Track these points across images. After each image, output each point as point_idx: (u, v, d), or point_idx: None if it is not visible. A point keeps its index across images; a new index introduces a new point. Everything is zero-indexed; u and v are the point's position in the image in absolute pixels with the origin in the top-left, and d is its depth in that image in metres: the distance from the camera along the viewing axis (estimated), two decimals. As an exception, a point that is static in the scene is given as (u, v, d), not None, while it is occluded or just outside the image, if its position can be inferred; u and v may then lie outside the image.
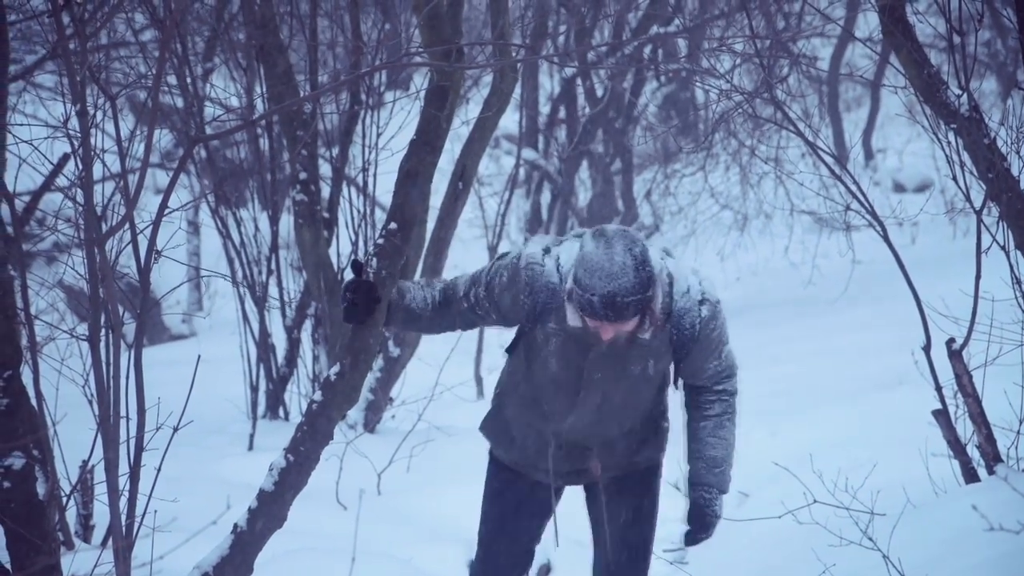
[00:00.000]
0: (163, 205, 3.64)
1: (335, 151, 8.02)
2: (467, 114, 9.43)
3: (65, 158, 6.08)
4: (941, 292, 5.68)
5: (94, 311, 3.67)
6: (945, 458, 5.10)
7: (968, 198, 4.84)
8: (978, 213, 4.81)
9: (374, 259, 4.06)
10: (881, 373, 7.49)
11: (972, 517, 4.09)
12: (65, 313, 9.15)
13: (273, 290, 8.00)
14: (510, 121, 15.02)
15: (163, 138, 10.03)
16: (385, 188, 6.00)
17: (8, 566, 3.66)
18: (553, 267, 3.79)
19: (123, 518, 3.65)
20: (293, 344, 8.07)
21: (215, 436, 7.53)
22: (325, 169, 8.02)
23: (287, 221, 8.35)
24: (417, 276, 7.62)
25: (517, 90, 9.01)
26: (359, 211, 7.89)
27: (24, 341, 4.08)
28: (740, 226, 13.95)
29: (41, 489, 3.64)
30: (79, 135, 3.61)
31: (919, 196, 14.10)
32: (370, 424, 7.58)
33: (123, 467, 3.66)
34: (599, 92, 11.91)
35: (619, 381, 3.84)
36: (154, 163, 10.93)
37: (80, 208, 3.75)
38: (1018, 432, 4.90)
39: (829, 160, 5.05)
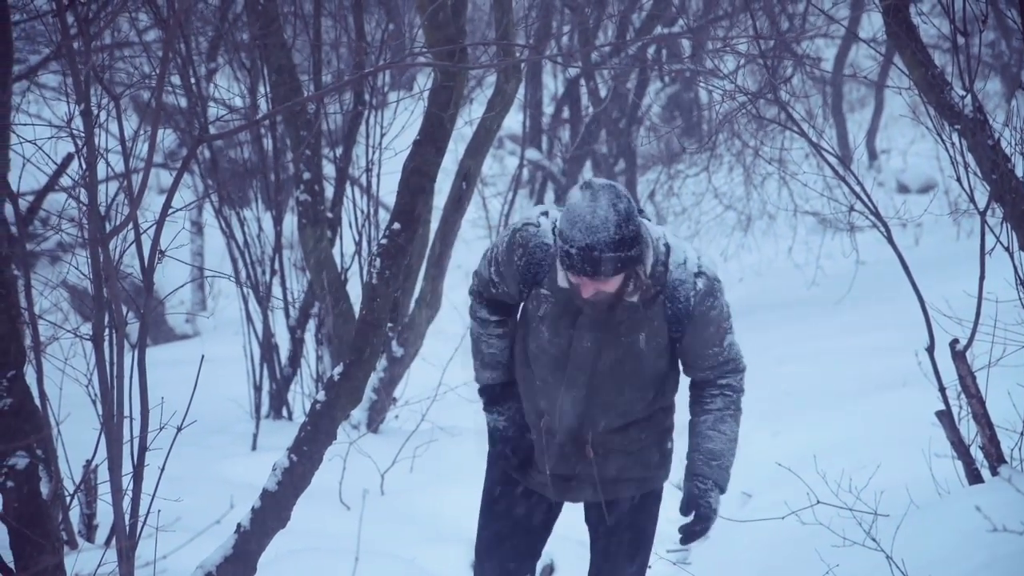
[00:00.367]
0: (167, 205, 3.64)
1: (339, 151, 8.03)
2: (471, 114, 9.44)
3: (69, 158, 6.09)
4: (945, 293, 5.68)
5: (98, 311, 3.67)
6: (949, 459, 5.10)
7: (972, 199, 4.84)
8: (982, 214, 4.81)
9: (378, 259, 4.06)
10: (885, 374, 7.48)
11: (975, 518, 4.09)
12: (69, 313, 9.17)
13: (277, 290, 8.00)
14: (514, 121, 15.02)
15: (167, 138, 10.05)
16: (389, 188, 6.01)
17: (12, 565, 3.66)
18: (548, 228, 3.77)
19: (127, 518, 3.65)
20: (296, 344, 8.08)
21: (218, 436, 7.53)
22: (329, 169, 8.03)
23: (291, 221, 8.36)
24: (420, 276, 7.63)
25: (521, 90, 9.00)
26: (363, 211, 7.89)
27: (28, 341, 4.08)
28: (744, 227, 13.94)
29: (45, 489, 3.64)
30: (83, 135, 3.62)
31: (923, 197, 14.09)
32: (373, 424, 7.58)
33: (127, 467, 3.66)
34: (603, 92, 11.90)
35: (610, 350, 3.73)
36: (158, 163, 10.94)
37: (84, 208, 3.75)
38: (1022, 433, 4.90)
39: (833, 161, 5.05)
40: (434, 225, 7.58)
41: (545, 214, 3.82)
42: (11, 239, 3.88)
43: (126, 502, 3.65)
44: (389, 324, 7.41)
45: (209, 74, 9.17)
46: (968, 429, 4.90)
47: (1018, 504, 4.13)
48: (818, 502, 5.01)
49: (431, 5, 5.63)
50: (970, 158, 4.87)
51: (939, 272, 8.63)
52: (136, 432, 3.67)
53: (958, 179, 4.85)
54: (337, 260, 7.61)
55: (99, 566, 3.90)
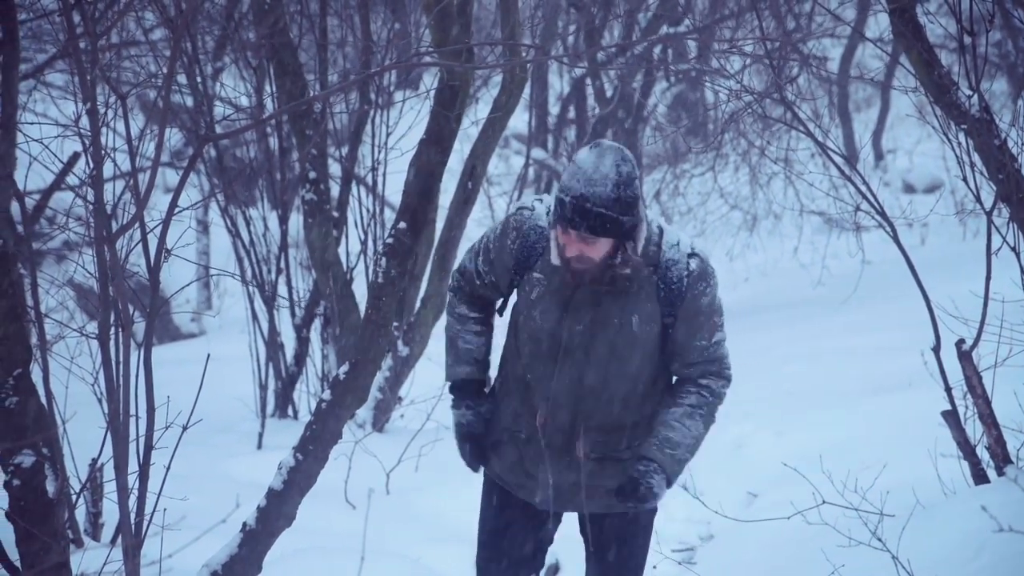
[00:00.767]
0: (173, 204, 3.64)
1: (345, 150, 8.03)
2: (476, 114, 9.44)
3: (75, 157, 6.10)
4: (951, 293, 5.67)
5: (104, 310, 3.67)
6: (954, 459, 5.09)
7: (978, 199, 4.83)
8: (988, 214, 4.80)
9: (383, 258, 4.06)
10: (891, 374, 7.47)
11: (981, 518, 4.09)
12: (75, 311, 9.19)
13: (282, 289, 8.00)
14: (520, 121, 15.02)
15: (173, 137, 10.07)
16: (394, 187, 6.01)
17: (18, 564, 3.66)
18: (543, 211, 3.78)
19: (132, 516, 3.65)
20: (302, 343, 8.08)
21: (224, 435, 7.54)
22: (335, 168, 8.04)
23: (296, 220, 8.37)
24: (426, 276, 7.63)
25: (527, 90, 9.01)
26: (368, 210, 7.90)
27: (34, 339, 4.09)
28: (749, 226, 13.94)
29: (51, 487, 3.64)
30: (89, 134, 3.62)
31: (929, 197, 14.10)
32: (379, 423, 7.59)
33: (132, 465, 3.66)
34: (609, 92, 11.91)
35: (603, 333, 3.70)
36: (164, 162, 10.94)
37: (90, 207, 3.76)
38: (1028, 433, 4.90)
39: (839, 160, 5.04)
40: (440, 224, 7.58)
41: (540, 199, 3.83)
42: (17, 238, 3.88)
43: (132, 501, 3.66)
44: (395, 323, 7.42)
45: (215, 73, 9.19)
46: (974, 429, 4.90)
47: (1024, 504, 4.13)
48: (824, 502, 5.01)
49: (437, 5, 5.63)
50: (976, 158, 4.86)
51: (945, 272, 8.62)
52: (142, 431, 3.68)
53: (964, 179, 4.84)
54: (343, 259, 7.62)
55: (105, 564, 3.90)
